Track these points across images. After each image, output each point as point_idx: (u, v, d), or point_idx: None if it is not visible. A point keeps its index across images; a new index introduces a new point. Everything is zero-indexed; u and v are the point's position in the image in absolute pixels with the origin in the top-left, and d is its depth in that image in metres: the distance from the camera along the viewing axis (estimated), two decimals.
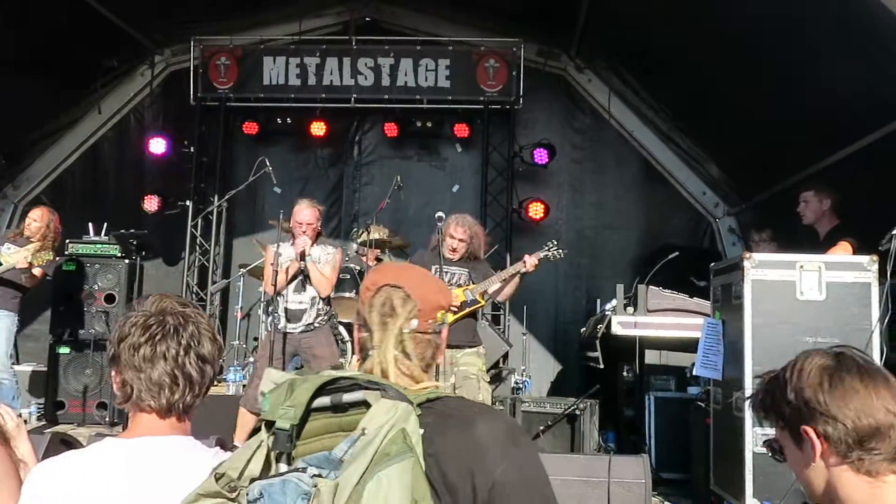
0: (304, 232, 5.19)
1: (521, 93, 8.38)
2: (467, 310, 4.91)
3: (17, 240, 6.06)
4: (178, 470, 1.52)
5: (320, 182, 8.86)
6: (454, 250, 5.07)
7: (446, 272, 4.98)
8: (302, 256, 5.14)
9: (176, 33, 8.60)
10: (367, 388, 1.32)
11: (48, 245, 6.03)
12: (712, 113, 7.27)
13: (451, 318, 4.85)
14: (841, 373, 1.37)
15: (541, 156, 8.21)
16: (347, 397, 1.32)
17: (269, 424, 1.32)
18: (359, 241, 6.94)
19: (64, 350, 6.87)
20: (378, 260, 6.90)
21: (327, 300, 5.36)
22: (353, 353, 6.31)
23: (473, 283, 5.03)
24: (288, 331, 5.25)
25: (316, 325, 5.28)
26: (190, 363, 1.58)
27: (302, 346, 5.25)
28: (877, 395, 1.34)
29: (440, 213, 4.91)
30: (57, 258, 5.85)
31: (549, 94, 8.74)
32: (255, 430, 1.35)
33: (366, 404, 1.30)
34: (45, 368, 7.00)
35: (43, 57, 7.43)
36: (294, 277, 5.22)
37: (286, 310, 5.26)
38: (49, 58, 7.52)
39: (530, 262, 4.95)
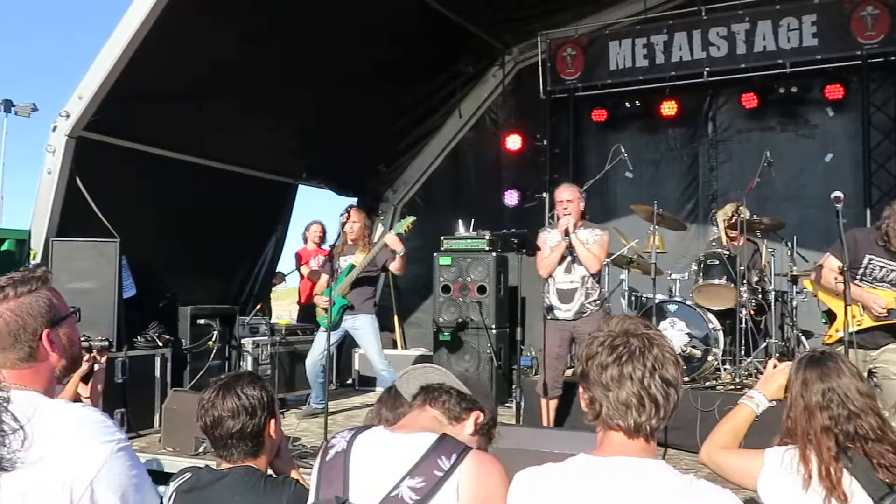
0: (566, 209, 5.33)
1: None
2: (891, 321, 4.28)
3: (345, 250, 6.33)
4: (655, 494, 1.51)
5: (673, 163, 8.55)
6: None
7: (884, 266, 4.33)
8: (566, 233, 5.25)
9: (523, 31, 8.92)
10: None
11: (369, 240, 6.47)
12: None
13: (868, 323, 4.30)
14: None
15: None
16: None
17: None
18: (727, 222, 6.50)
19: (445, 336, 7.54)
20: (752, 242, 6.42)
21: (598, 280, 5.41)
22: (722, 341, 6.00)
23: None
24: (559, 317, 5.38)
25: (589, 308, 5.28)
26: (655, 386, 1.56)
27: (577, 333, 5.32)
28: None
29: (838, 193, 4.31)
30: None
31: None
32: None
33: None
34: (430, 353, 7.74)
35: (407, 69, 8.21)
36: (563, 258, 5.36)
37: (557, 290, 5.42)
38: (412, 69, 8.30)
39: None
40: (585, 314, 5.34)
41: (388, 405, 2.71)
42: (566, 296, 5.40)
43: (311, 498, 1.82)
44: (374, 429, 1.92)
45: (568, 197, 5.38)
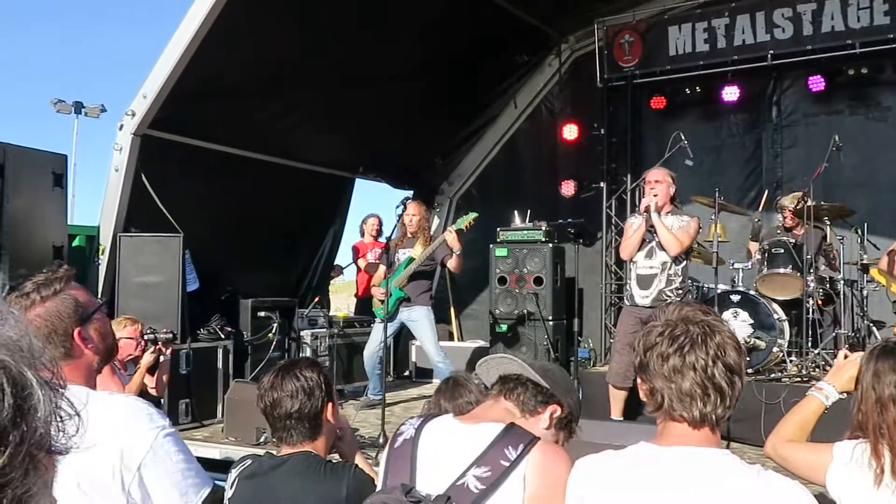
0: (652, 189, 5.20)
1: None
2: None
3: (404, 243, 6.38)
4: (719, 482, 1.46)
5: (735, 150, 8.31)
6: None
7: None
8: (647, 210, 5.12)
9: (579, 19, 8.79)
10: None
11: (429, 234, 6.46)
12: None
13: None
14: None
15: None
16: None
17: None
18: (791, 207, 6.30)
19: (502, 328, 7.52)
20: (821, 229, 6.21)
21: (682, 268, 5.20)
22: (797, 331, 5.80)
23: None
24: (638, 302, 5.21)
25: (668, 296, 5.10)
26: (719, 374, 1.51)
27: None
28: None
29: None
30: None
31: None
32: None
33: None
34: (487, 345, 7.73)
35: (462, 61, 8.19)
36: (644, 242, 5.23)
37: (637, 276, 5.28)
38: (470, 61, 8.28)
39: None
40: (664, 302, 5.11)
41: (447, 396, 2.72)
42: (645, 281, 5.24)
43: (379, 485, 1.83)
44: (442, 417, 1.91)
45: (657, 178, 5.28)
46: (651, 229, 5.20)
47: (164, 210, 6.21)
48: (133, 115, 6.16)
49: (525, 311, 7.32)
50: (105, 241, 6.15)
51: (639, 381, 1.61)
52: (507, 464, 1.68)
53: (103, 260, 6.11)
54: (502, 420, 1.82)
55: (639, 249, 5.26)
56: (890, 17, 7.23)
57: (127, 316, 4.78)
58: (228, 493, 2.34)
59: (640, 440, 1.61)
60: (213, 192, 6.87)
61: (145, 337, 4.18)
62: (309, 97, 7.27)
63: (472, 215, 6.21)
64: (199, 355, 5.84)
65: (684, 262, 5.30)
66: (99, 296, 6.13)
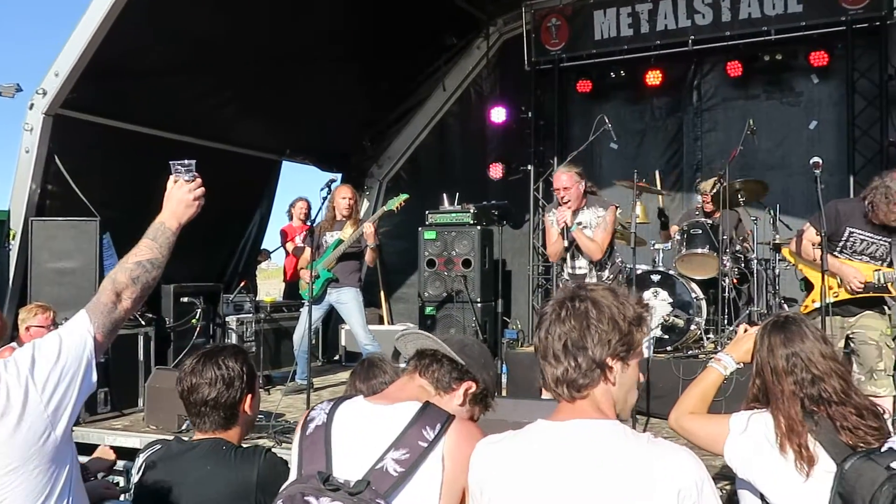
0: (563, 198, 5.06)
1: (895, 5, 7.14)
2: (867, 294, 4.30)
3: (334, 225, 6.32)
4: (611, 454, 1.51)
5: (658, 133, 8.51)
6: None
7: (864, 239, 4.32)
8: (566, 230, 5.00)
9: (508, 2, 8.82)
10: None
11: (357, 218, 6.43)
12: None
13: (844, 295, 4.30)
14: None
15: None
16: None
17: None
18: (710, 192, 6.50)
19: (431, 311, 7.55)
20: (735, 211, 6.41)
21: (610, 256, 5.21)
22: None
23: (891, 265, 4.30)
24: None
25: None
26: (591, 344, 1.55)
27: None
28: None
29: (816, 159, 4.27)
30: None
31: None
32: None
33: None
34: (417, 327, 7.75)
35: (393, 44, 8.13)
36: (569, 247, 5.14)
37: (569, 275, 5.27)
38: (398, 44, 8.22)
39: None
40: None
41: (361, 377, 2.71)
42: (577, 280, 5.23)
43: (294, 474, 1.79)
44: (354, 399, 1.88)
45: (565, 184, 5.04)
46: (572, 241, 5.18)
47: (80, 193, 5.99)
48: (44, 93, 5.91)
49: (453, 293, 7.36)
50: (16, 225, 5.91)
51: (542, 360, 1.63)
52: (426, 444, 1.67)
53: (14, 245, 5.87)
54: (417, 398, 1.81)
55: (566, 250, 5.23)
56: (803, 6, 7.50)
57: (39, 303, 4.61)
58: (135, 479, 2.29)
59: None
60: (132, 175, 6.64)
61: (58, 324, 4.04)
62: (234, 78, 7.10)
63: (403, 197, 6.20)
64: (119, 343, 5.67)
65: (610, 251, 5.32)
66: (10, 283, 5.90)
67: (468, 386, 1.92)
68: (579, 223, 5.14)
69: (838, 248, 4.35)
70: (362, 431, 1.76)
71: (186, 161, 2.14)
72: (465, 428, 1.75)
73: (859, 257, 4.34)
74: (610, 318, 1.57)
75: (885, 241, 4.28)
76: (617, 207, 5.40)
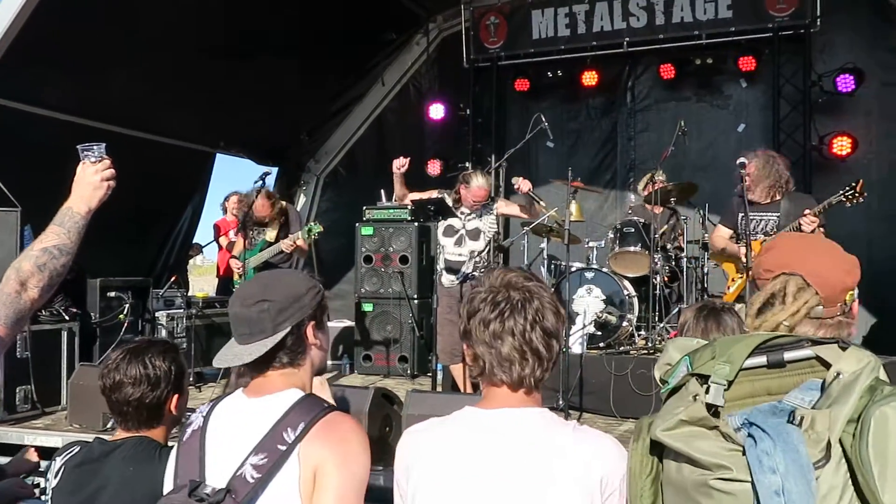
0: (473, 206, 5.67)
1: (819, 13, 7.42)
2: None
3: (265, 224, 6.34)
4: (536, 441, 1.53)
5: (593, 133, 8.65)
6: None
7: (754, 218, 4.77)
8: (464, 279, 5.36)
9: None
10: (818, 344, 1.18)
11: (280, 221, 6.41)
12: None
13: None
14: None
15: (845, 83, 7.22)
16: (790, 355, 1.19)
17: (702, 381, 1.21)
18: (643, 192, 6.64)
19: (368, 307, 7.50)
20: (671, 210, 6.56)
21: (485, 252, 5.64)
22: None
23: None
24: (446, 285, 5.62)
25: (474, 276, 5.45)
26: (536, 338, 1.56)
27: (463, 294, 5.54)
28: None
29: (742, 159, 4.49)
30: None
31: (850, 11, 7.63)
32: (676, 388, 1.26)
33: (816, 361, 1.17)
34: (353, 324, 7.69)
35: (331, 38, 8.04)
36: (454, 231, 5.69)
37: (446, 261, 5.70)
38: (337, 38, 8.13)
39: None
40: (472, 280, 5.47)
41: (237, 370, 2.55)
42: (453, 268, 5.61)
43: (168, 484, 1.68)
44: (232, 395, 1.78)
45: (479, 199, 5.66)
46: (463, 224, 5.67)
47: None
48: None
49: (390, 289, 7.32)
50: None
51: (464, 347, 1.63)
52: (284, 448, 1.58)
53: None
54: (286, 385, 1.71)
55: (449, 236, 5.69)
56: (733, 11, 7.73)
57: None
58: (52, 483, 2.19)
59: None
60: (57, 164, 6.35)
61: None
62: (166, 68, 6.90)
63: (318, 228, 6.13)
64: (40, 338, 5.46)
65: (487, 248, 5.72)
66: None
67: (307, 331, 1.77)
68: (475, 228, 5.68)
69: (741, 235, 4.85)
70: (235, 431, 1.67)
71: (94, 144, 2.04)
72: (332, 424, 1.65)
73: (755, 236, 4.68)
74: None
75: (772, 215, 4.89)
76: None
